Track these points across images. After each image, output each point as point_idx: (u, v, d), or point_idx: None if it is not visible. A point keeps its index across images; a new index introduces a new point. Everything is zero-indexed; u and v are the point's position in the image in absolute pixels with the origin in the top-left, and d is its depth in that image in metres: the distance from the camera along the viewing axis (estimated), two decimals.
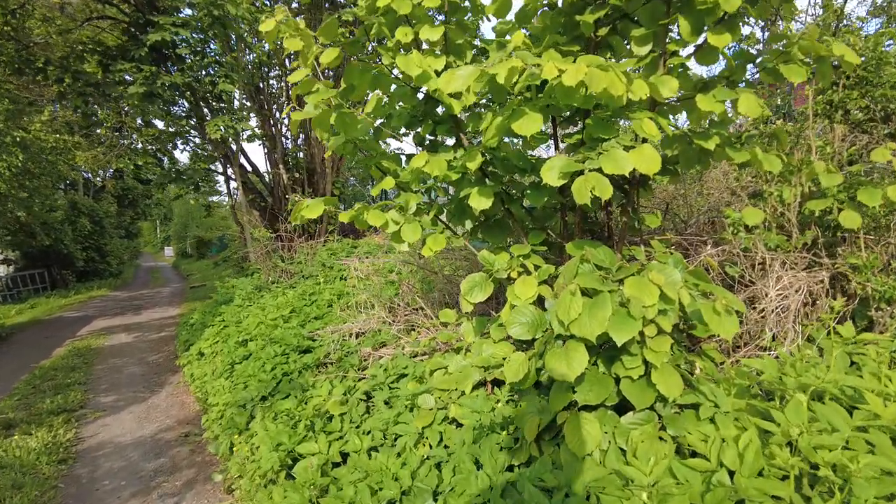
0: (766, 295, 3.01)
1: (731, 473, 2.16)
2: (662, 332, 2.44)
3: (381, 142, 3.82)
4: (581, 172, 2.41)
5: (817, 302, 3.18)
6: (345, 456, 3.17)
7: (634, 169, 2.39)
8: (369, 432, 3.17)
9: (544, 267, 3.03)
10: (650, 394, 2.47)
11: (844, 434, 2.31)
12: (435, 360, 3.33)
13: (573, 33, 2.99)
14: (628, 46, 2.90)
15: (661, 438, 2.47)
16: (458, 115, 3.32)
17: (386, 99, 3.45)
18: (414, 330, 4.23)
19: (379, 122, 3.63)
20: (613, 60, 2.69)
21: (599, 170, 2.38)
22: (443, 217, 3.56)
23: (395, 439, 3.04)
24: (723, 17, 2.53)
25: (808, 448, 2.19)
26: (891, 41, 3.62)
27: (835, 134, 3.53)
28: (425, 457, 2.82)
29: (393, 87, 3.33)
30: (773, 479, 2.14)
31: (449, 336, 3.57)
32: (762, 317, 3.04)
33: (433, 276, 4.91)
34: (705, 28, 2.57)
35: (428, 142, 3.57)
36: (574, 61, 2.27)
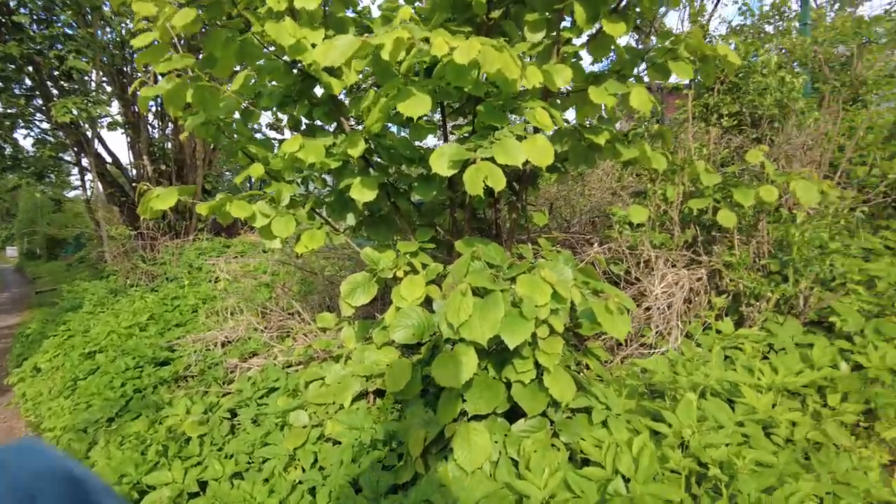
0: (652, 292, 3.00)
1: (627, 480, 2.05)
2: (555, 332, 2.31)
3: (252, 125, 3.40)
4: (473, 162, 2.21)
5: (695, 299, 3.25)
6: (203, 485, 2.73)
7: (526, 162, 2.24)
8: (232, 456, 2.75)
9: (433, 265, 2.81)
10: (542, 398, 2.33)
11: (729, 430, 2.31)
12: (311, 371, 2.98)
13: (464, 15, 2.80)
14: (522, 34, 2.76)
15: (553, 446, 2.33)
16: (339, 97, 3.01)
17: (256, 75, 3.05)
18: (289, 337, 3.83)
19: (249, 103, 3.22)
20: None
21: (492, 160, 2.19)
22: (322, 211, 3.22)
23: (263, 463, 2.66)
24: (617, 5, 2.46)
25: (698, 447, 2.14)
26: (755, 54, 3.85)
27: (710, 136, 3.66)
28: (297, 481, 2.48)
29: (263, 61, 2.94)
30: (666, 483, 2.06)
31: (327, 343, 3.23)
32: (648, 314, 3.03)
33: (313, 277, 4.52)
34: (600, 16, 2.48)
35: (304, 126, 3.21)
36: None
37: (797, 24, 5.53)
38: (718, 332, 3.00)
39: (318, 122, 3.17)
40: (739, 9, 7.57)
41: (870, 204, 4.38)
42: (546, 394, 2.30)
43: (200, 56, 2.91)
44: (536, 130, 2.56)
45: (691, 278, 3.10)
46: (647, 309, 3.03)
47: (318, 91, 3.08)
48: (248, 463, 2.70)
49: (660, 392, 2.60)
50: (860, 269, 3.54)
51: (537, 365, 2.33)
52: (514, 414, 2.40)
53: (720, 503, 1.99)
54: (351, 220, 3.11)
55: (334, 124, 3.13)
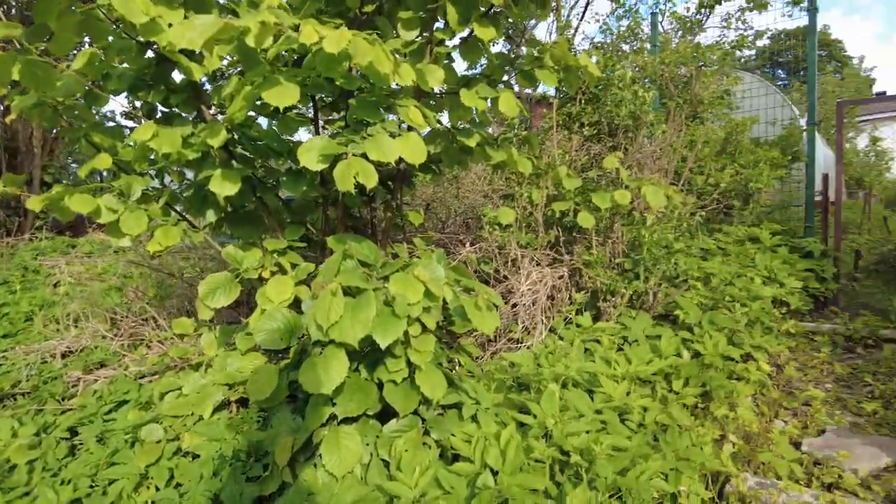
0: (518, 290, 3.13)
1: (495, 473, 2.10)
2: (427, 330, 2.31)
3: (99, 111, 3.05)
4: (344, 157, 2.15)
5: (558, 295, 3.44)
6: None
7: (400, 160, 2.22)
8: (71, 481, 2.44)
9: (303, 265, 2.70)
10: (414, 397, 2.33)
11: (589, 418, 2.46)
12: (166, 381, 2.73)
13: (337, 8, 2.72)
14: (395, 32, 2.74)
15: (425, 444, 2.34)
16: (201, 84, 2.79)
17: (103, 55, 2.74)
18: (142, 344, 3.49)
19: (95, 85, 2.88)
20: None
21: (364, 155, 2.14)
22: (179, 207, 2.97)
23: (109, 485, 2.39)
24: (489, 10, 2.52)
25: (561, 436, 2.25)
26: (613, 69, 4.18)
27: (572, 143, 3.90)
28: (149, 502, 2.25)
29: (112, 39, 2.65)
30: (532, 472, 2.14)
31: (185, 350, 2.98)
32: (514, 310, 3.15)
33: (171, 279, 4.16)
34: (472, 20, 2.53)
35: (160, 114, 2.94)
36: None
37: (648, 45, 6.09)
38: (578, 326, 3.20)
39: (177, 110, 2.92)
40: (600, 27, 8.24)
41: (707, 209, 4.94)
42: (418, 392, 2.30)
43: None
44: (411, 129, 2.55)
45: (554, 276, 3.28)
46: (514, 305, 3.15)
47: (178, 77, 2.84)
48: (91, 487, 2.40)
49: (526, 385, 2.71)
50: (699, 266, 3.96)
51: (409, 363, 2.32)
52: (386, 415, 2.37)
53: (580, 488, 2.10)
54: (211, 216, 2.89)
55: (194, 113, 2.90)
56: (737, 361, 3.45)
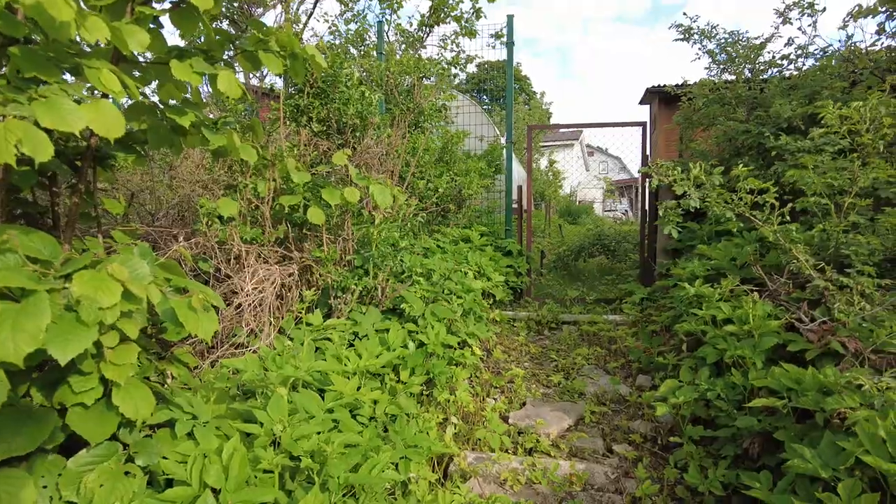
0: (243, 289, 2.89)
1: (217, 492, 1.87)
2: (127, 339, 1.94)
3: None
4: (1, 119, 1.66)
5: (287, 294, 3.29)
6: None
7: (92, 133, 1.82)
8: None
9: None
10: (111, 420, 1.93)
11: (320, 418, 2.37)
12: None
13: None
14: None
15: (128, 473, 1.96)
16: None
17: None
18: None
19: None
20: None
21: (35, 122, 1.69)
22: None
23: None
24: None
25: (290, 442, 2.12)
26: (341, 66, 4.19)
27: (301, 137, 3.79)
28: None
29: None
30: (259, 485, 1.97)
31: None
32: (239, 312, 2.90)
33: None
34: None
35: None
36: None
37: (375, 52, 6.33)
38: (309, 324, 3.10)
39: None
40: (329, 28, 8.33)
41: (427, 211, 5.32)
42: (116, 413, 1.91)
43: None
44: (106, 97, 2.13)
45: (283, 274, 3.12)
46: (239, 307, 2.90)
47: None
48: None
49: (252, 391, 2.50)
50: (422, 263, 4.22)
51: (104, 381, 1.92)
52: (74, 447, 1.92)
53: (312, 492, 2.00)
54: None
55: None
56: (454, 349, 3.78)
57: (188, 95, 2.73)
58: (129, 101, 2.44)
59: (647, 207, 6.72)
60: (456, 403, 3.56)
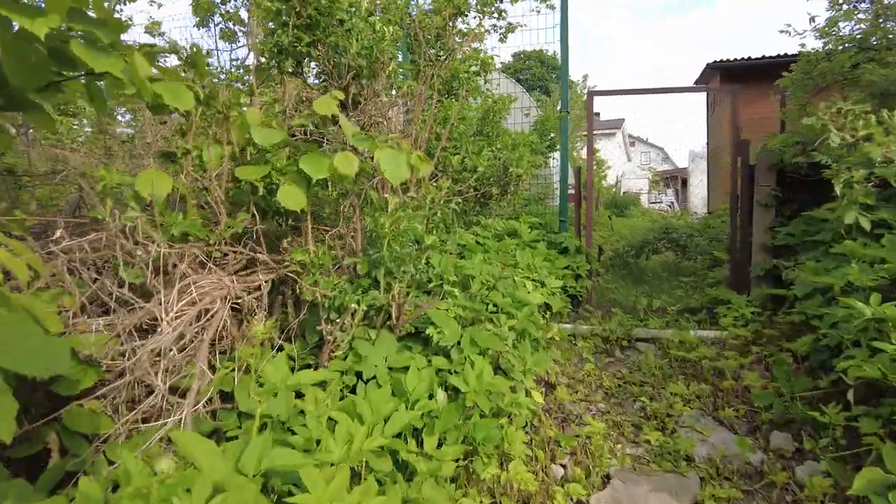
0: (164, 317, 1.74)
1: None
2: None
3: None
4: None
5: (253, 319, 2.13)
6: None
7: None
8: None
9: None
10: None
11: None
12: None
13: None
14: None
15: None
16: None
17: None
18: None
19: None
20: None
21: None
22: None
23: None
24: None
25: None
26: None
27: (286, 89, 2.64)
28: None
29: None
30: None
31: None
32: (157, 357, 1.75)
33: None
34: None
35: None
36: None
37: None
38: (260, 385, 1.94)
39: None
40: None
41: (464, 196, 4.11)
42: None
43: None
44: None
45: (244, 286, 1.96)
46: (158, 354, 1.74)
47: None
48: None
49: None
50: (456, 266, 3.02)
51: None
52: None
53: None
54: None
55: None
56: (503, 394, 2.57)
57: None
58: None
59: (738, 192, 5.35)
60: (510, 481, 2.38)
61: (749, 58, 12.81)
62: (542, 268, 4.17)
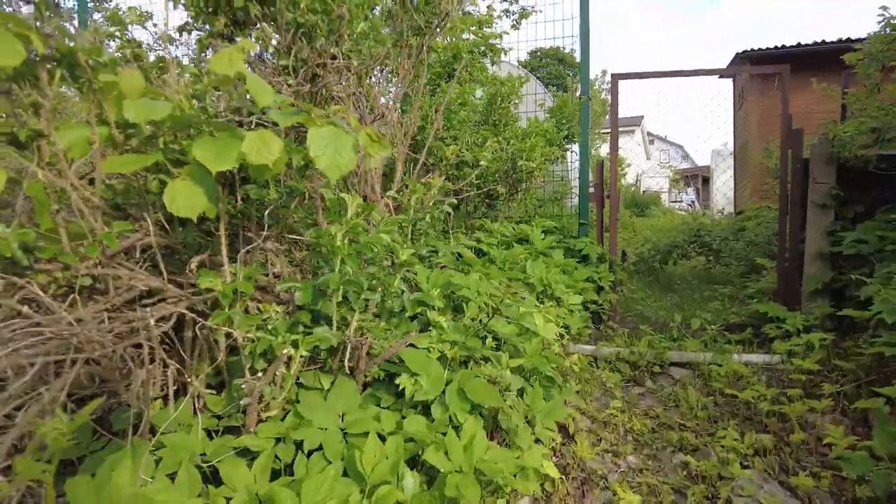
0: None
1: None
2: None
3: None
4: None
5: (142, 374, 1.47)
6: None
7: None
8: None
9: None
10: None
11: None
12: None
13: None
14: None
15: None
16: None
17: None
18: None
19: None
20: None
21: None
22: None
23: None
24: None
25: None
26: None
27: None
28: None
29: None
30: None
31: None
32: None
33: None
34: None
35: None
36: None
37: None
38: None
39: None
40: None
41: (462, 197, 3.43)
42: None
43: None
44: None
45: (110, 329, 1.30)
46: None
47: None
48: None
49: None
50: (448, 284, 2.33)
51: None
52: None
53: None
54: None
55: None
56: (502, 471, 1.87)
57: None
58: None
59: (787, 192, 4.57)
60: None
61: (783, 46, 11.94)
62: (559, 282, 3.47)
